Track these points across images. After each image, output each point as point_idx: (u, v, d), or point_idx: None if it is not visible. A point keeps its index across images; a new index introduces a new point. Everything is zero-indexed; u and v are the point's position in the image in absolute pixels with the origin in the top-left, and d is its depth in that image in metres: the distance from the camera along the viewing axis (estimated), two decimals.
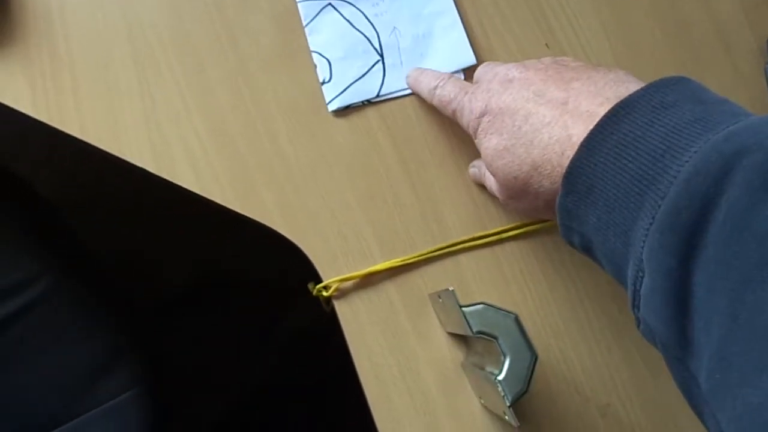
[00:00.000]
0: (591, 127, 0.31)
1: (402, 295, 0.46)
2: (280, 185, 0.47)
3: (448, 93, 0.43)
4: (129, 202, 0.93)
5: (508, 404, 0.34)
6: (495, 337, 0.35)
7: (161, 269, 0.95)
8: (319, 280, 0.46)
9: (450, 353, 0.45)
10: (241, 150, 0.48)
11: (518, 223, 0.47)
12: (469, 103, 0.40)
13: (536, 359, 0.34)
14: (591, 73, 0.35)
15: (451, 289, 0.35)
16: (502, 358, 0.35)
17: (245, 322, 0.97)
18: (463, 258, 0.47)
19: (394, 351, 0.45)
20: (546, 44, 0.50)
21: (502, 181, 0.38)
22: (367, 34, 0.49)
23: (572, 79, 0.35)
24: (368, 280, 0.46)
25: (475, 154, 0.48)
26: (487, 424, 0.44)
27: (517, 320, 0.35)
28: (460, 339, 0.45)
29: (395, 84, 0.48)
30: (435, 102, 0.44)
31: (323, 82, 0.49)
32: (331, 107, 0.48)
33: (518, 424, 0.34)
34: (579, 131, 0.32)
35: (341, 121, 0.48)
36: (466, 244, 0.46)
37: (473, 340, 0.43)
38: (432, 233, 0.47)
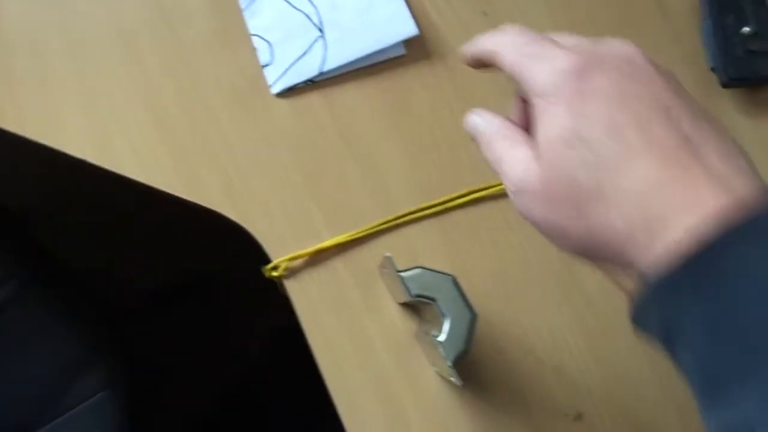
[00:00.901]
0: (731, 200, 0.23)
1: (352, 271, 0.46)
2: (225, 169, 0.47)
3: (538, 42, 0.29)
4: (101, 205, 0.92)
5: (449, 364, 0.34)
6: (434, 300, 0.35)
7: (137, 271, 0.95)
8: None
9: (403, 325, 0.45)
10: (183, 136, 0.47)
11: (464, 191, 0.47)
12: (554, 55, 0.27)
13: (475, 318, 0.35)
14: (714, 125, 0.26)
15: (387, 255, 0.35)
16: (442, 319, 0.35)
17: (225, 320, 0.97)
18: (411, 229, 0.47)
19: (346, 326, 0.45)
20: (484, 12, 0.50)
21: (547, 175, 0.26)
22: (306, 11, 0.49)
23: (704, 121, 0.26)
24: (317, 258, 0.46)
25: (420, 127, 0.48)
26: (442, 392, 0.44)
27: (454, 281, 0.35)
28: (412, 310, 0.45)
29: (337, 59, 0.48)
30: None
31: (265, 65, 0.49)
32: (275, 90, 0.48)
33: (462, 383, 0.34)
34: (712, 198, 0.23)
35: (283, 102, 0.48)
36: (413, 215, 0.47)
37: (423, 309, 0.43)
38: (378, 207, 0.47)
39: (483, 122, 0.31)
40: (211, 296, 0.97)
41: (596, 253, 0.27)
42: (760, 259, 0.21)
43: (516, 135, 0.29)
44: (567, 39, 0.29)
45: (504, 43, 0.29)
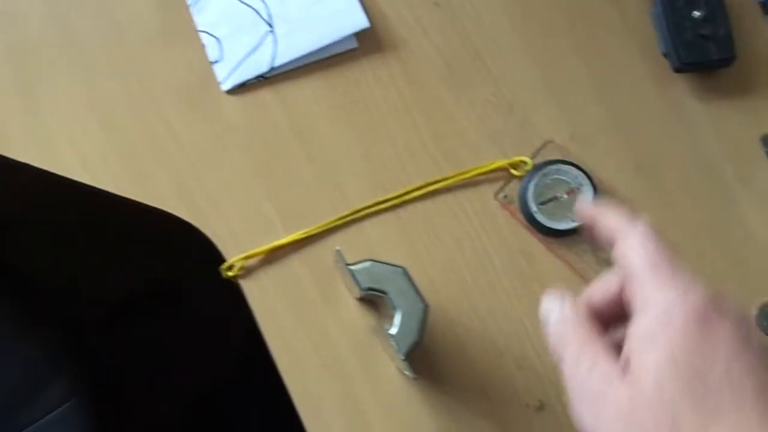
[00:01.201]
0: None
1: (309, 268, 0.45)
2: (176, 168, 0.46)
3: None
4: (62, 214, 0.90)
5: (401, 357, 0.33)
6: (384, 292, 0.34)
7: (104, 280, 0.93)
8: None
9: (362, 321, 0.44)
10: (131, 136, 0.46)
11: (419, 184, 0.46)
12: (686, 285, 0.27)
13: (427, 309, 0.34)
14: None
15: (337, 248, 0.35)
16: (393, 311, 0.34)
17: (198, 323, 0.95)
18: (367, 224, 0.46)
19: (304, 324, 0.44)
20: (435, 2, 0.49)
21: (641, 398, 0.25)
22: (254, 6, 0.48)
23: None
24: (273, 256, 0.45)
25: (374, 120, 0.48)
26: (402, 387, 0.43)
27: (405, 273, 0.35)
28: (371, 305, 0.45)
29: (288, 54, 0.48)
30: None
31: (214, 62, 0.48)
32: (225, 86, 0.48)
33: (416, 376, 0.34)
34: None
35: (234, 99, 0.48)
36: (369, 210, 0.46)
37: (380, 304, 0.42)
38: (334, 203, 0.46)
39: (552, 302, 0.30)
40: (183, 302, 0.96)
41: None
42: None
43: (595, 338, 0.27)
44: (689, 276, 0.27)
45: (634, 245, 0.28)
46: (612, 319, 0.29)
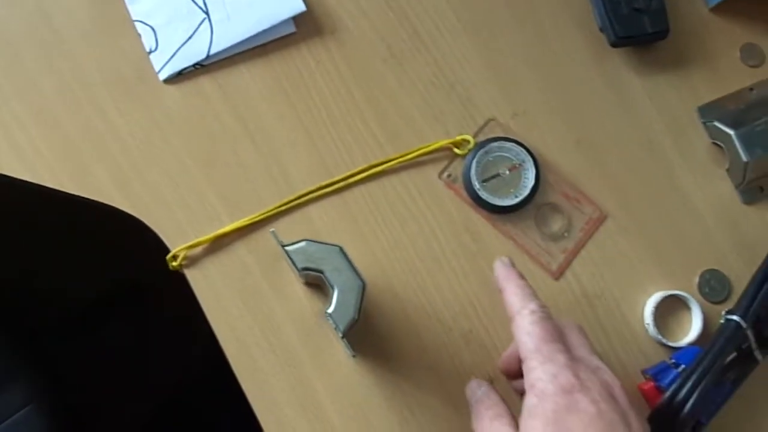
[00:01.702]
0: None
1: (254, 255, 0.45)
2: (115, 160, 0.45)
3: (539, 332, 0.35)
4: (17, 215, 0.88)
5: (340, 335, 0.33)
6: (321, 271, 0.34)
7: (69, 283, 0.91)
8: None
9: (310, 305, 0.44)
10: (68, 130, 0.45)
11: (363, 166, 0.46)
12: (558, 368, 0.34)
13: (364, 287, 0.34)
14: None
15: (272, 230, 0.34)
16: (331, 291, 0.34)
17: (162, 320, 0.94)
18: (312, 208, 0.46)
19: (252, 311, 0.44)
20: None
21: None
22: None
23: None
24: (218, 244, 0.45)
25: (316, 104, 0.47)
26: (352, 370, 0.44)
27: (341, 251, 0.35)
28: (319, 289, 0.45)
29: (224, 41, 0.47)
30: (522, 323, 0.36)
31: (150, 51, 0.47)
32: (162, 76, 0.47)
33: (354, 353, 0.34)
34: None
35: (173, 88, 0.47)
36: (314, 194, 0.46)
37: (325, 287, 0.42)
38: (278, 188, 0.46)
39: (473, 387, 0.41)
40: (144, 301, 0.94)
41: None
42: None
43: (499, 408, 0.37)
44: (576, 339, 0.37)
45: (524, 328, 0.35)
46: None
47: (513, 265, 0.39)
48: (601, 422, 0.32)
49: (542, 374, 0.33)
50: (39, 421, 0.69)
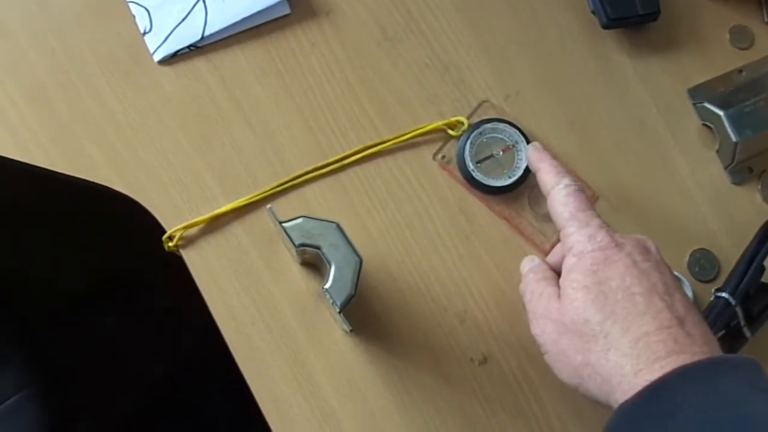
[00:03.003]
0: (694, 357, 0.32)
1: (251, 235, 0.45)
2: (110, 141, 0.45)
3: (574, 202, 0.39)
4: (14, 206, 0.88)
5: (337, 310, 0.34)
6: (318, 247, 0.35)
7: (58, 271, 0.91)
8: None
9: (306, 285, 0.45)
10: (62, 111, 0.45)
11: (358, 147, 0.47)
12: (595, 229, 0.37)
13: (361, 263, 0.34)
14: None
15: (269, 206, 0.35)
16: (328, 266, 0.35)
17: (154, 308, 0.94)
18: (307, 189, 0.46)
19: (249, 291, 0.44)
20: None
21: (566, 309, 0.36)
22: None
23: (690, 305, 0.36)
24: (214, 225, 0.45)
25: (311, 85, 0.48)
26: (349, 348, 0.44)
27: (338, 227, 0.35)
28: (315, 269, 0.45)
29: (219, 22, 0.47)
30: (556, 196, 0.39)
31: (144, 33, 0.47)
32: (156, 57, 0.47)
33: (351, 328, 0.34)
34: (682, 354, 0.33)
35: (167, 69, 0.47)
36: (309, 175, 0.46)
37: (321, 266, 0.42)
38: (273, 169, 0.46)
39: (526, 261, 0.43)
40: (135, 289, 0.94)
41: (586, 382, 0.35)
42: (697, 392, 0.31)
43: (546, 273, 0.40)
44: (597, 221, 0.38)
45: (559, 199, 0.39)
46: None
47: (544, 148, 0.43)
48: (636, 270, 0.35)
49: (580, 237, 0.36)
50: (31, 407, 0.69)
